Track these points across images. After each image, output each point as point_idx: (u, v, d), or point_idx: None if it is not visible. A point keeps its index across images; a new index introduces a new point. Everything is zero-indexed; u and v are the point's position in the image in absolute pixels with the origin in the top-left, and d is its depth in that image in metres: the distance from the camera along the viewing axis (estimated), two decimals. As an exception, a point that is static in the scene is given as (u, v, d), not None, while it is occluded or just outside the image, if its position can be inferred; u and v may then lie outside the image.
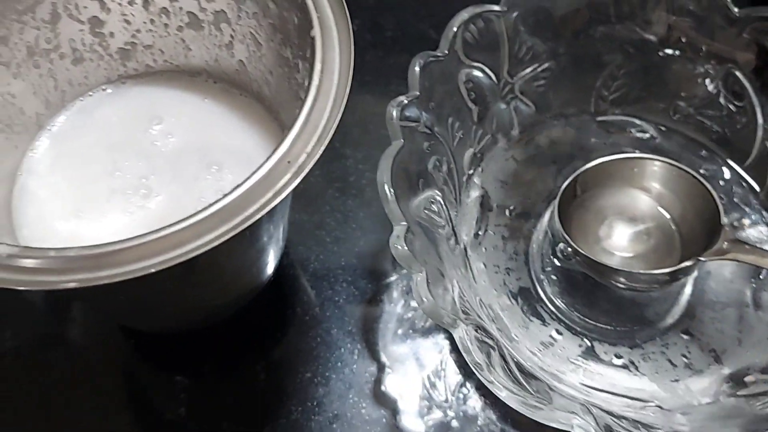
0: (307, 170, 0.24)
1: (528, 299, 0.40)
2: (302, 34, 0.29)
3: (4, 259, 0.23)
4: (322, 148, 0.25)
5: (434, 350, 0.39)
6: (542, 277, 0.41)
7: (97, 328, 0.38)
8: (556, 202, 0.40)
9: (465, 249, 0.39)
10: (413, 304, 0.40)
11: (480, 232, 0.41)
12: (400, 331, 0.39)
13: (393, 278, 0.41)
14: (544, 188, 0.43)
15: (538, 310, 0.39)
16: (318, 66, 0.26)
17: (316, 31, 0.27)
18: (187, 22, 0.35)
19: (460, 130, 0.39)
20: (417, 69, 0.36)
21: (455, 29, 0.37)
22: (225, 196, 0.24)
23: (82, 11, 0.33)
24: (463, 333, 0.31)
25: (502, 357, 0.31)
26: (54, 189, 0.34)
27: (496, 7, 0.39)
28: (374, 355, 0.38)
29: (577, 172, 0.41)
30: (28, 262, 0.22)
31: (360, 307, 0.39)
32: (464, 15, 0.38)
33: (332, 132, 0.25)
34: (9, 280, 0.22)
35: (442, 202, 0.37)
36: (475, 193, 0.41)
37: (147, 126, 0.36)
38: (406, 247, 0.31)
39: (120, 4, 0.33)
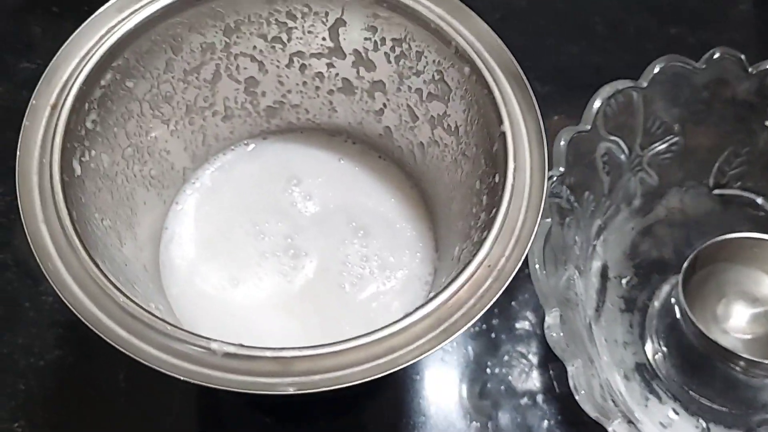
0: (510, 277, 0.24)
1: (644, 375, 0.40)
2: (483, 123, 0.28)
3: (219, 359, 0.22)
4: (524, 252, 0.25)
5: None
6: (658, 352, 0.41)
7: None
8: (680, 279, 0.39)
9: (590, 324, 0.39)
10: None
11: (600, 305, 0.41)
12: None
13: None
14: (659, 259, 0.43)
15: (655, 388, 0.40)
16: (511, 164, 0.26)
17: (506, 126, 0.27)
18: (339, 86, 0.34)
19: (593, 203, 0.39)
20: (563, 144, 0.36)
21: (599, 104, 0.37)
22: (429, 300, 0.24)
23: (241, 72, 0.33)
24: (615, 426, 0.31)
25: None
26: (201, 248, 0.34)
27: (634, 82, 0.39)
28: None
29: (699, 248, 0.41)
30: (246, 364, 0.22)
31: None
32: (607, 90, 0.38)
33: (533, 236, 0.25)
34: (225, 380, 0.22)
35: (578, 278, 0.37)
36: (596, 264, 0.41)
37: (286, 186, 0.36)
38: (561, 334, 0.31)
39: (278, 67, 0.33)
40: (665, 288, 0.43)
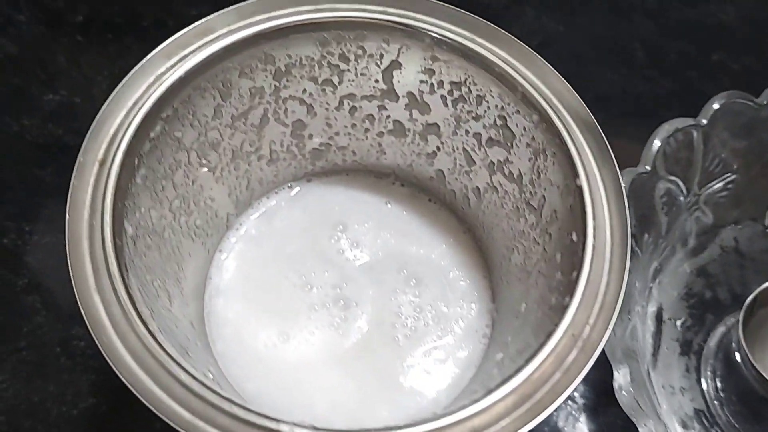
0: (599, 348, 0.23)
1: (703, 422, 0.38)
2: (553, 174, 0.27)
3: (290, 444, 0.21)
4: (611, 320, 0.23)
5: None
6: (716, 398, 0.39)
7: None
8: (740, 320, 0.38)
9: (648, 371, 0.38)
10: None
11: (656, 350, 0.39)
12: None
13: None
14: (713, 300, 0.42)
15: (715, 436, 0.38)
16: (590, 222, 0.24)
17: (583, 180, 0.25)
18: (390, 129, 0.33)
19: (651, 245, 0.37)
20: (625, 187, 0.34)
21: (658, 144, 0.36)
22: (513, 375, 0.22)
23: (289, 115, 0.31)
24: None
25: None
26: (247, 301, 0.32)
27: (694, 120, 0.37)
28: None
29: (760, 288, 0.39)
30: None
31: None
32: (666, 129, 0.36)
33: (619, 302, 0.23)
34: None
35: (639, 325, 0.35)
36: (652, 308, 0.40)
37: (332, 233, 0.34)
38: (632, 392, 0.30)
39: (327, 109, 0.32)
40: (720, 329, 0.41)
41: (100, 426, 0.37)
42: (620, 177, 0.26)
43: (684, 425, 0.38)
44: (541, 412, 0.22)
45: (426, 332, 0.32)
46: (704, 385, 0.39)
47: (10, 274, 0.40)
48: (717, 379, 0.39)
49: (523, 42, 0.28)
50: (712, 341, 0.41)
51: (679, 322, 0.41)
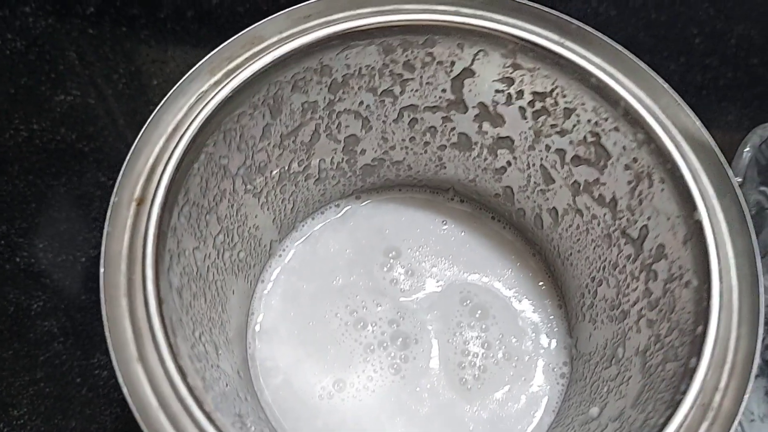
0: (735, 422, 0.19)
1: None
2: (660, 203, 0.23)
3: None
4: (747, 385, 0.19)
5: None
6: None
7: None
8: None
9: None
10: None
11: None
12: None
13: None
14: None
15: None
16: (715, 264, 0.21)
17: (702, 214, 0.21)
18: (453, 142, 0.29)
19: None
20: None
21: (749, 153, 0.32)
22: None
23: (342, 130, 0.28)
24: None
25: None
26: (295, 343, 0.29)
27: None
28: None
29: None
30: None
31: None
32: (759, 135, 0.32)
33: (755, 363, 0.19)
34: None
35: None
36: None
37: (383, 260, 0.30)
38: None
39: (384, 122, 0.28)
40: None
41: (127, 465, 0.33)
42: (746, 210, 0.22)
43: None
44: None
45: (497, 372, 0.28)
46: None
47: (23, 296, 0.37)
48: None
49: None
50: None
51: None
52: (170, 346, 0.19)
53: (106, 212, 0.37)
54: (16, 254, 0.37)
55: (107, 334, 0.19)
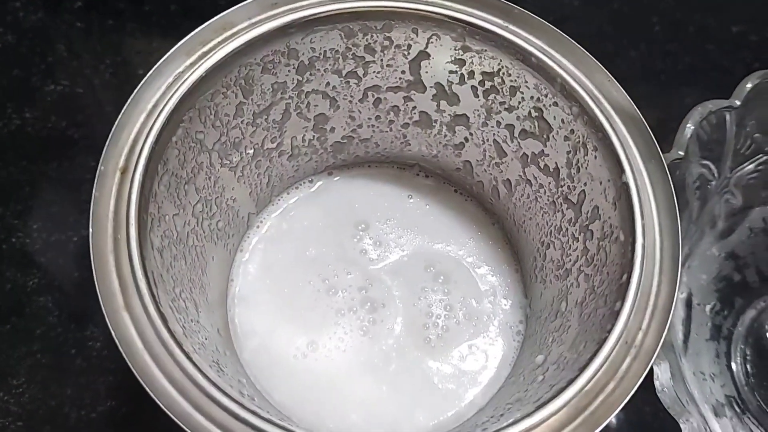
0: (654, 356, 0.22)
1: (735, 409, 0.37)
2: (594, 169, 0.26)
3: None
4: (665, 325, 0.22)
5: None
6: (747, 383, 0.38)
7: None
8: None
9: (679, 358, 0.37)
10: None
11: (686, 336, 0.38)
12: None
13: None
14: (742, 283, 0.41)
15: (747, 422, 0.37)
16: (639, 221, 0.23)
17: (629, 177, 0.24)
18: (415, 120, 0.31)
19: (683, 230, 0.36)
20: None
21: (692, 128, 0.34)
22: (566, 386, 0.21)
23: (311, 109, 0.30)
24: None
25: None
26: (271, 308, 0.31)
27: (727, 102, 0.36)
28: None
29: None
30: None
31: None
32: (699, 112, 0.35)
33: (673, 306, 0.22)
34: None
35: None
36: (682, 294, 0.39)
37: (353, 232, 0.33)
38: (673, 388, 0.29)
39: (350, 102, 0.30)
40: (750, 313, 0.40)
41: (120, 429, 0.36)
42: (668, 173, 0.25)
43: (716, 412, 0.37)
44: (597, 426, 0.21)
45: (458, 331, 0.31)
46: (735, 371, 0.38)
47: (19, 274, 0.39)
48: (747, 365, 0.39)
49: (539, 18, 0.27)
50: (742, 325, 0.40)
51: (708, 307, 0.40)
52: (153, 295, 0.21)
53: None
54: (11, 235, 0.39)
55: (97, 286, 0.22)
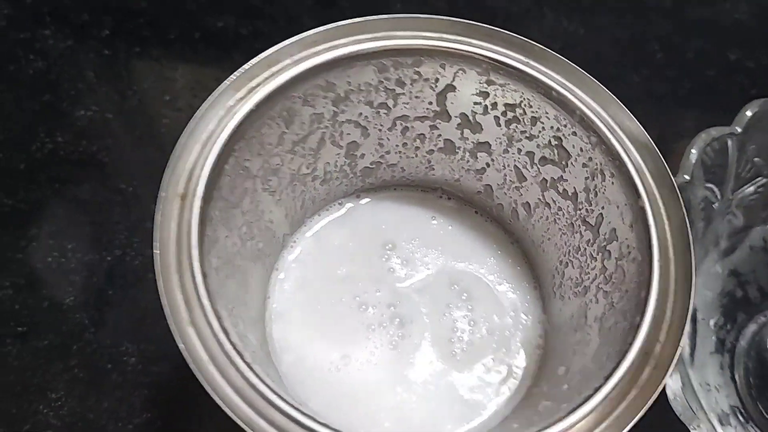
0: (672, 365, 0.24)
1: (739, 418, 0.40)
2: (611, 194, 0.28)
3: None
4: (679, 337, 0.24)
5: None
6: (749, 394, 0.40)
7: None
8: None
9: (687, 369, 0.39)
10: None
11: (692, 350, 0.40)
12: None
13: None
14: (744, 298, 0.43)
15: (750, 431, 0.39)
16: (655, 242, 0.26)
17: (645, 201, 0.26)
18: (440, 147, 0.34)
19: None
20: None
21: (696, 154, 0.37)
22: (593, 394, 0.24)
23: (344, 138, 0.32)
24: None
25: None
26: (306, 324, 0.33)
27: (729, 129, 0.38)
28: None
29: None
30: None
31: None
32: (703, 138, 0.37)
33: (688, 318, 0.24)
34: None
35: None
36: (688, 310, 0.41)
37: (381, 252, 0.35)
38: (685, 399, 0.31)
39: (380, 130, 0.32)
40: (752, 327, 0.42)
41: (156, 441, 0.37)
42: (680, 196, 0.27)
43: (721, 421, 0.39)
44: (622, 429, 0.23)
45: (482, 345, 0.33)
46: (738, 382, 0.41)
47: (56, 292, 0.40)
48: (750, 376, 0.41)
49: (545, 46, 0.29)
50: (744, 339, 0.42)
51: (712, 322, 0.42)
52: (215, 311, 0.23)
53: (126, 216, 0.41)
54: (48, 255, 0.41)
55: (164, 303, 0.24)
